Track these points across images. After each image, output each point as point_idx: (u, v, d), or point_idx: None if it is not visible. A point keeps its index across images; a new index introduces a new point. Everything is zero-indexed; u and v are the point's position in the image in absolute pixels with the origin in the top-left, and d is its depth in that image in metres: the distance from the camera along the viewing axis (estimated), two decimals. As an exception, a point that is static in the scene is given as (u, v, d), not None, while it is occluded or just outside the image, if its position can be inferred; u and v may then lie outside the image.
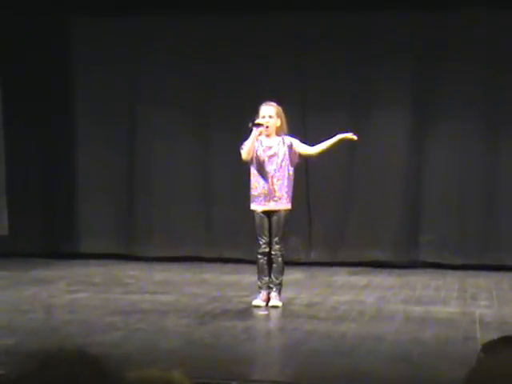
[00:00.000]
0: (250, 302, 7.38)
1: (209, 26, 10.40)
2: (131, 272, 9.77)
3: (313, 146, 7.53)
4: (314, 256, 10.45)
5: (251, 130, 7.30)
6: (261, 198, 7.37)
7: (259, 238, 7.41)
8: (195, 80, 10.50)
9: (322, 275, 9.63)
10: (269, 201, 7.36)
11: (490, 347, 1.46)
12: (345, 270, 9.95)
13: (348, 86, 10.28)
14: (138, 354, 5.62)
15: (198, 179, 10.53)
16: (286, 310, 7.41)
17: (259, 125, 7.29)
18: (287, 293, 8.26)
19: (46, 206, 11.01)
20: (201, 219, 10.55)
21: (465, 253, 10.08)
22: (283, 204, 7.38)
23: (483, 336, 6.04)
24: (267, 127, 7.32)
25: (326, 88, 10.22)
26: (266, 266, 7.41)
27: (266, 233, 7.39)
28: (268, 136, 7.37)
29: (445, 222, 10.19)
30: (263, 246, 7.40)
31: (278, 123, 7.40)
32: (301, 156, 7.49)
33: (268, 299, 7.41)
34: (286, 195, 7.38)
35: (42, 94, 10.83)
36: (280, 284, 7.44)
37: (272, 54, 10.30)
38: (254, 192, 7.42)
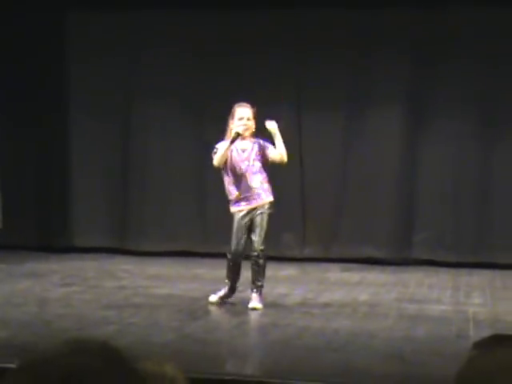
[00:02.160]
0: (244, 298, 7.37)
1: (206, 21, 10.38)
2: (125, 266, 9.77)
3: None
4: (307, 252, 10.46)
5: (227, 139, 7.20)
6: (241, 201, 7.26)
7: (233, 244, 7.25)
8: (191, 76, 10.49)
9: (316, 271, 9.64)
10: (250, 200, 7.25)
11: (481, 345, 1.46)
12: (338, 266, 9.96)
13: (343, 85, 10.28)
14: (131, 348, 5.61)
15: (192, 174, 10.52)
16: (280, 306, 7.41)
17: (238, 136, 7.19)
18: (280, 289, 8.28)
19: (40, 200, 11.00)
20: (195, 214, 10.54)
21: (458, 250, 10.10)
22: (266, 197, 7.26)
23: (476, 334, 6.06)
24: (247, 129, 7.24)
25: (321, 87, 10.21)
26: (234, 272, 7.30)
27: (242, 242, 7.24)
28: (244, 138, 7.28)
29: (439, 219, 10.20)
30: (234, 253, 7.26)
31: (254, 125, 7.31)
32: (268, 160, 7.34)
33: (228, 297, 7.36)
34: (265, 188, 7.27)
35: (36, 90, 10.81)
36: (262, 286, 7.28)
37: (269, 52, 10.29)
38: (233, 196, 7.30)
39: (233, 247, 7.30)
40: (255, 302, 7.22)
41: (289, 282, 8.78)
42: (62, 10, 10.80)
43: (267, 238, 7.30)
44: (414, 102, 10.22)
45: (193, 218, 10.55)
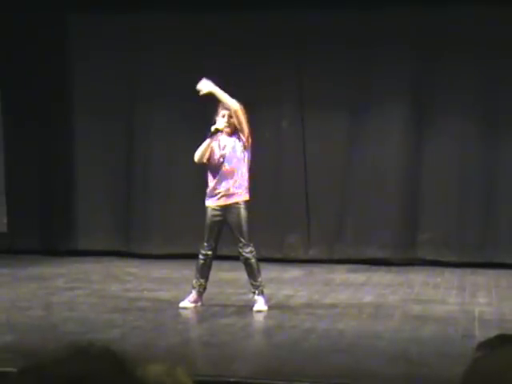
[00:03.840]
0: (249, 300, 7.35)
1: (208, 24, 10.37)
2: (129, 269, 9.77)
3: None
4: (312, 253, 10.45)
5: (208, 136, 7.15)
6: (217, 196, 7.21)
7: (206, 239, 7.24)
8: (193, 78, 10.45)
9: (321, 273, 9.62)
10: (224, 197, 7.20)
11: (486, 345, 1.45)
12: (343, 267, 9.94)
13: (346, 84, 10.26)
14: (136, 352, 5.61)
15: (195, 176, 10.50)
16: (285, 308, 7.40)
17: (217, 132, 7.14)
18: (285, 290, 8.27)
19: (45, 204, 11.00)
20: (198, 216, 10.50)
21: (463, 250, 10.08)
22: (242, 196, 7.19)
23: (482, 334, 6.04)
24: (228, 126, 7.16)
25: (325, 86, 10.20)
26: (205, 268, 7.27)
27: (214, 237, 7.23)
28: (228, 134, 7.22)
29: (443, 219, 10.18)
30: (207, 249, 7.26)
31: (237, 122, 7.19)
32: (241, 126, 7.12)
33: (197, 301, 7.30)
34: (243, 188, 7.20)
35: (40, 92, 10.81)
36: (261, 285, 7.23)
37: (271, 53, 10.29)
38: (209, 189, 7.27)
39: (205, 243, 7.27)
40: (260, 305, 7.19)
41: (294, 284, 8.77)
42: (65, 12, 10.80)
43: (251, 236, 7.23)
44: (417, 101, 10.20)
45: (196, 221, 10.50)
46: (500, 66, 9.95)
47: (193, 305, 7.29)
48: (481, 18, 9.90)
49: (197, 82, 10.41)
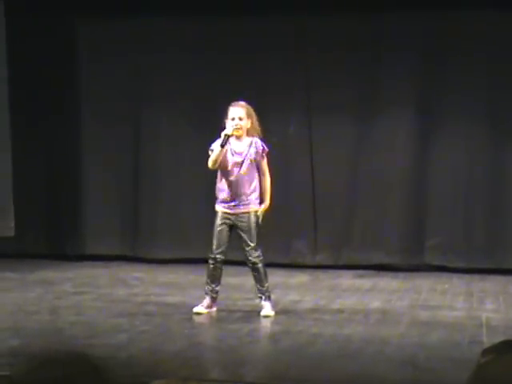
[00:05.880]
0: (255, 305, 7.35)
1: (213, 26, 10.38)
2: (136, 274, 9.78)
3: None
4: (318, 259, 10.43)
5: (220, 143, 7.03)
6: (230, 204, 7.13)
7: (216, 244, 7.17)
8: (199, 81, 10.50)
9: (327, 278, 9.61)
10: (237, 206, 7.14)
11: (491, 351, 1.45)
12: (350, 273, 9.93)
13: (353, 88, 10.26)
14: (143, 356, 5.61)
15: (203, 180, 10.51)
16: (291, 313, 7.39)
17: (227, 137, 7.01)
18: (292, 296, 8.26)
19: (52, 208, 11.02)
20: (206, 221, 10.50)
21: (471, 256, 10.05)
22: (253, 205, 7.15)
23: (489, 340, 6.03)
24: (238, 129, 7.06)
25: (331, 89, 10.19)
26: (216, 273, 7.23)
27: (224, 242, 7.17)
28: (238, 138, 7.13)
29: (451, 224, 10.16)
30: (216, 253, 7.19)
31: (249, 125, 7.12)
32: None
33: (210, 306, 7.27)
34: (254, 197, 7.15)
35: (47, 94, 10.84)
36: (268, 290, 7.20)
37: (276, 56, 10.30)
38: (221, 195, 7.20)
39: (214, 247, 7.20)
40: (267, 310, 7.18)
41: (300, 289, 8.76)
42: (75, 15, 10.81)
43: (260, 241, 7.22)
44: (424, 104, 10.18)
45: (204, 226, 10.51)
46: (507, 69, 9.92)
47: (207, 310, 7.26)
48: (486, 23, 9.89)
49: (207, 87, 10.49)
